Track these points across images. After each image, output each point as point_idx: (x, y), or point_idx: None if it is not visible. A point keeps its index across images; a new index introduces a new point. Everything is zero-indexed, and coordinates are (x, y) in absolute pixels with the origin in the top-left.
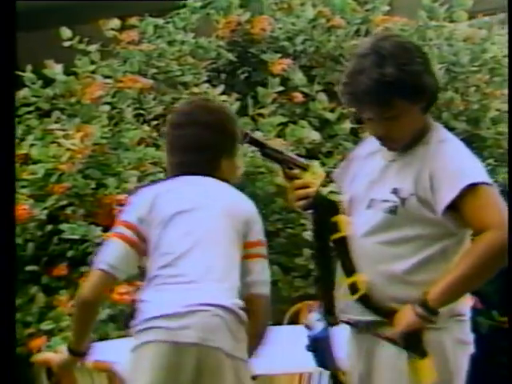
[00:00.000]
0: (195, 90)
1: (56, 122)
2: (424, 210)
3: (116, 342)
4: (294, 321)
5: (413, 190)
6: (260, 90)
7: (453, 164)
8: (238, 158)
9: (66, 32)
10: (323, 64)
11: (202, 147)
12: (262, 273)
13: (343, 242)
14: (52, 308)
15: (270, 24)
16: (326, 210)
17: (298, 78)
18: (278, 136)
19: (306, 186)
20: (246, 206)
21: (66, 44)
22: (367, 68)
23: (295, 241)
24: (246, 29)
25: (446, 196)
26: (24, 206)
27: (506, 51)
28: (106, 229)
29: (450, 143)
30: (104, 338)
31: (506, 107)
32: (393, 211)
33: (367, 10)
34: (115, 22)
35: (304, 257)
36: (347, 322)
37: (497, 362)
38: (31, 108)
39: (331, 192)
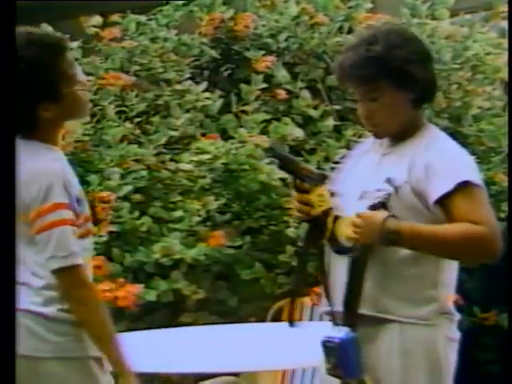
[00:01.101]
0: (178, 86)
1: None
2: (416, 199)
3: None
4: (277, 318)
5: (407, 178)
6: (243, 87)
7: (449, 158)
8: (72, 100)
9: (47, 29)
10: (306, 61)
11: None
12: (44, 251)
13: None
14: None
15: (253, 21)
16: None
17: (282, 75)
18: (262, 133)
19: (309, 204)
20: (26, 186)
21: None
22: (357, 45)
23: (278, 238)
24: (229, 26)
25: (441, 188)
26: None
27: (488, 49)
28: None
29: (444, 140)
30: None
31: (487, 105)
32: (386, 200)
33: (350, 8)
34: (97, 19)
35: (287, 254)
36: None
37: (478, 358)
38: None
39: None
